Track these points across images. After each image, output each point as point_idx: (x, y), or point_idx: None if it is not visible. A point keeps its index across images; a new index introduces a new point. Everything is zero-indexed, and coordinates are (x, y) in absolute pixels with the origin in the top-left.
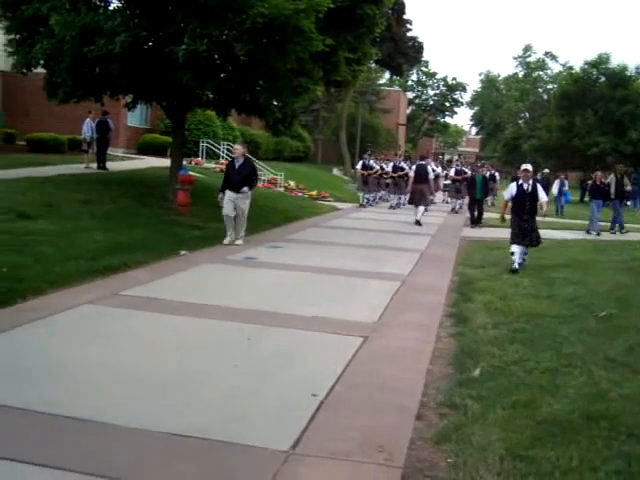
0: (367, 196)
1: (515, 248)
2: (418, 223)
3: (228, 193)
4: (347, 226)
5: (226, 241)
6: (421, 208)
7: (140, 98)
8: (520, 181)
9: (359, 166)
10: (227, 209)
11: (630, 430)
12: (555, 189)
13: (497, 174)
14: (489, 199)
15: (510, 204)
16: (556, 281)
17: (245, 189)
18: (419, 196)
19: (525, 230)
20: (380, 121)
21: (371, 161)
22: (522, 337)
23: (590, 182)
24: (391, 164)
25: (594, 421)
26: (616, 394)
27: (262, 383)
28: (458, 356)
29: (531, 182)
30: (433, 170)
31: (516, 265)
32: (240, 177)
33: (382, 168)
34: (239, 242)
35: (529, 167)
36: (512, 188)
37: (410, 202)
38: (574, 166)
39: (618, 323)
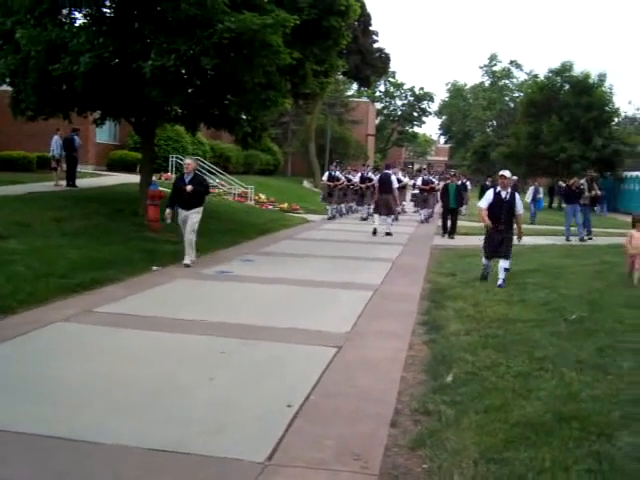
0: (335, 207)
1: (485, 261)
2: (388, 234)
3: (180, 211)
4: (319, 238)
5: (187, 260)
6: (387, 219)
7: (108, 115)
8: (498, 188)
9: (325, 177)
10: (183, 228)
11: (600, 430)
12: (529, 196)
13: (468, 183)
14: (463, 208)
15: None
16: (527, 286)
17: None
18: (385, 206)
19: (498, 241)
20: (349, 132)
21: (337, 172)
22: (494, 342)
23: (564, 186)
24: (359, 175)
25: (566, 422)
26: (587, 395)
27: (239, 395)
28: (431, 363)
29: (510, 190)
30: (399, 180)
31: (487, 272)
32: (191, 194)
33: (348, 179)
34: (194, 259)
35: (507, 173)
36: (489, 196)
37: (375, 212)
38: (543, 172)
39: (588, 326)
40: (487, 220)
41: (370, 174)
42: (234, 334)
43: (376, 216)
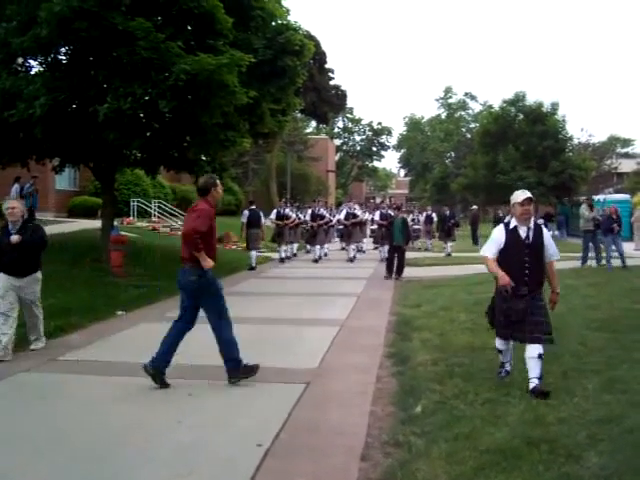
0: (286, 248)
1: (501, 345)
2: (253, 268)
3: (4, 278)
4: (283, 275)
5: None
6: (254, 253)
7: (67, 161)
8: (512, 222)
9: (273, 216)
10: (5, 301)
11: (569, 451)
12: None
13: (434, 215)
14: (428, 243)
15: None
16: None
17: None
18: (255, 240)
19: (521, 312)
20: (309, 169)
21: (287, 210)
22: (461, 371)
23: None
24: (309, 211)
25: (535, 446)
26: (554, 418)
27: (208, 437)
28: (399, 395)
29: (532, 225)
30: (354, 216)
31: (507, 368)
32: (21, 251)
33: (299, 217)
34: (40, 344)
35: (530, 195)
36: (498, 236)
37: (248, 248)
38: (502, 201)
39: (553, 350)
40: (501, 273)
41: (322, 210)
42: (200, 375)
43: (253, 252)
